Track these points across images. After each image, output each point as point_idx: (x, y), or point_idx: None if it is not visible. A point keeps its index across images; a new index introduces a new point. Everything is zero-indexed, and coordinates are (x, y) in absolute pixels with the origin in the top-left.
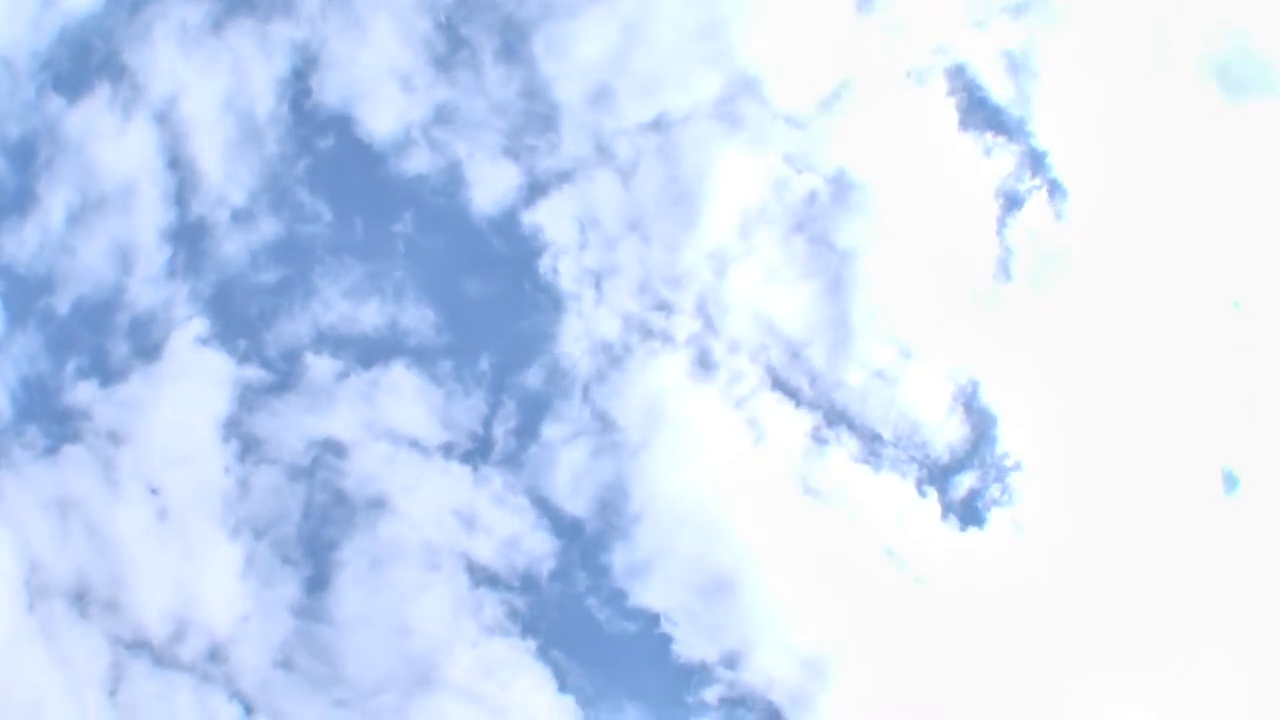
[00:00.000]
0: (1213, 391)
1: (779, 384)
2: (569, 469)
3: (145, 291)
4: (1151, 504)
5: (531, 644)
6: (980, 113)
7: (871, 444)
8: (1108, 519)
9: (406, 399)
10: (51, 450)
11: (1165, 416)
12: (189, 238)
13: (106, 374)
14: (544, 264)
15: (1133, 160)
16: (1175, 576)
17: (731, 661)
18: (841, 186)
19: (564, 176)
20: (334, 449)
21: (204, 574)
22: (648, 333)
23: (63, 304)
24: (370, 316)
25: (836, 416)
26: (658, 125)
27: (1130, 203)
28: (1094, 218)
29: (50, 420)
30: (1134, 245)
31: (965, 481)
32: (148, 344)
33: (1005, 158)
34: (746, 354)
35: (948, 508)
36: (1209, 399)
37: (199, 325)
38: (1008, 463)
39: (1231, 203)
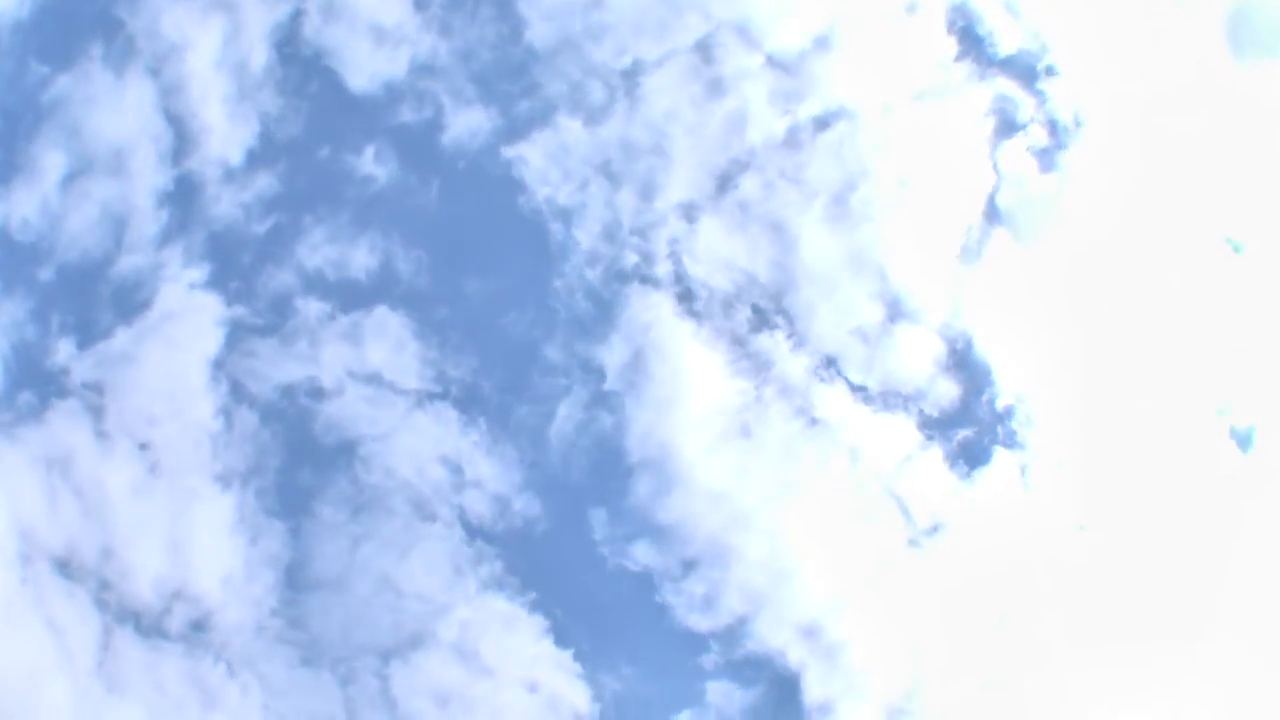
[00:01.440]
0: (1214, 336)
1: (768, 327)
2: (560, 416)
3: (138, 247)
4: (1157, 453)
5: (525, 597)
6: (979, 52)
7: (865, 394)
8: (1113, 469)
9: (394, 343)
10: (40, 411)
11: (1167, 365)
12: (180, 189)
13: (95, 332)
14: (529, 208)
15: (1134, 103)
16: (1181, 522)
17: (732, 614)
18: (832, 124)
19: (545, 120)
20: (321, 395)
21: (194, 531)
22: (637, 277)
23: (53, 265)
24: (360, 260)
25: (827, 363)
26: (635, 70)
27: (1130, 147)
28: (1093, 161)
29: (39, 380)
30: (1132, 190)
31: (966, 432)
32: (137, 298)
33: (1005, 99)
34: (734, 301)
35: (952, 455)
36: (1210, 345)
37: (190, 275)
38: (1002, 407)
39: (1232, 154)
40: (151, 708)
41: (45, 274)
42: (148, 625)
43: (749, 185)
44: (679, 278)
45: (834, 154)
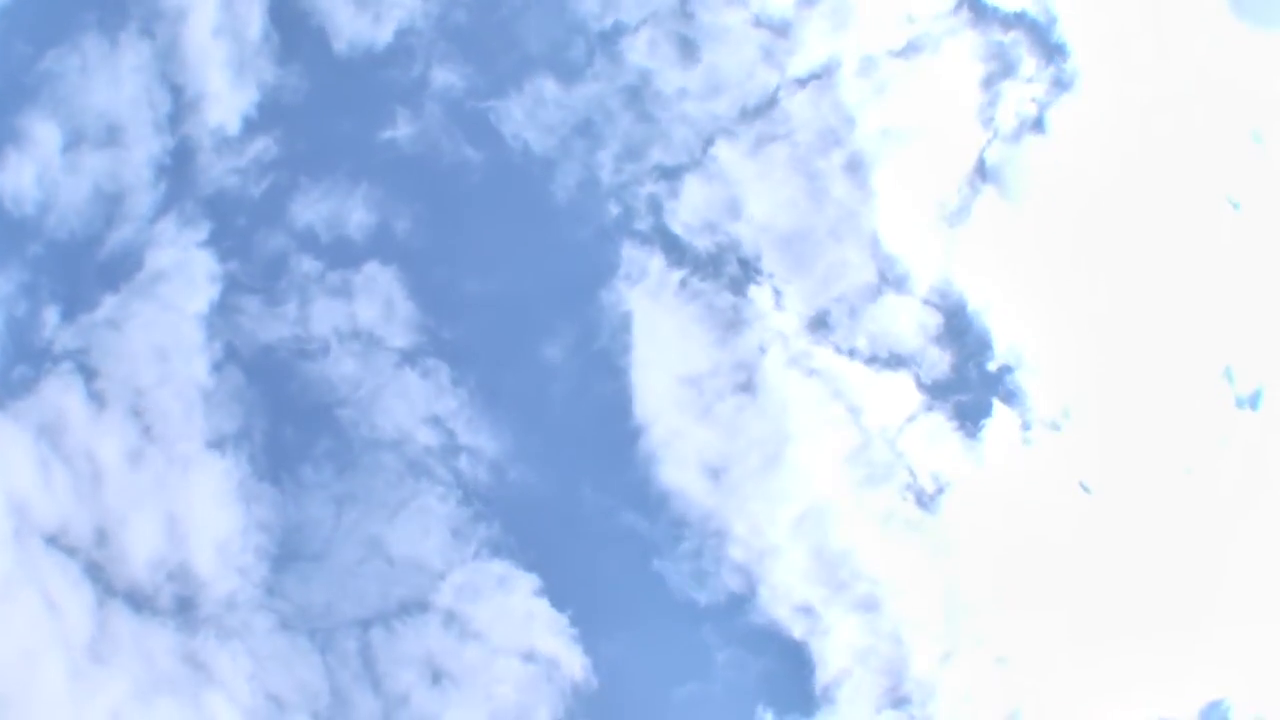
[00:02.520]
0: (1215, 295)
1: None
2: (557, 372)
3: (131, 212)
4: (1160, 414)
5: (521, 561)
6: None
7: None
8: (1115, 428)
9: (385, 301)
10: (34, 382)
11: (1169, 325)
12: (172, 152)
13: (87, 299)
14: (518, 166)
15: (1131, 58)
16: (1186, 483)
17: (735, 579)
18: (819, 81)
19: (532, 78)
20: (312, 354)
21: (187, 499)
22: (628, 235)
23: (45, 233)
24: (351, 218)
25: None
26: (615, 31)
27: (1127, 105)
28: (1087, 119)
29: (33, 351)
30: (1129, 148)
31: (963, 394)
32: (129, 263)
33: (998, 53)
34: (721, 260)
35: (952, 416)
36: (1212, 303)
37: (184, 237)
38: (998, 367)
39: (1232, 112)
40: (142, 680)
41: (38, 242)
42: (140, 597)
43: (734, 144)
44: (668, 236)
45: (821, 111)
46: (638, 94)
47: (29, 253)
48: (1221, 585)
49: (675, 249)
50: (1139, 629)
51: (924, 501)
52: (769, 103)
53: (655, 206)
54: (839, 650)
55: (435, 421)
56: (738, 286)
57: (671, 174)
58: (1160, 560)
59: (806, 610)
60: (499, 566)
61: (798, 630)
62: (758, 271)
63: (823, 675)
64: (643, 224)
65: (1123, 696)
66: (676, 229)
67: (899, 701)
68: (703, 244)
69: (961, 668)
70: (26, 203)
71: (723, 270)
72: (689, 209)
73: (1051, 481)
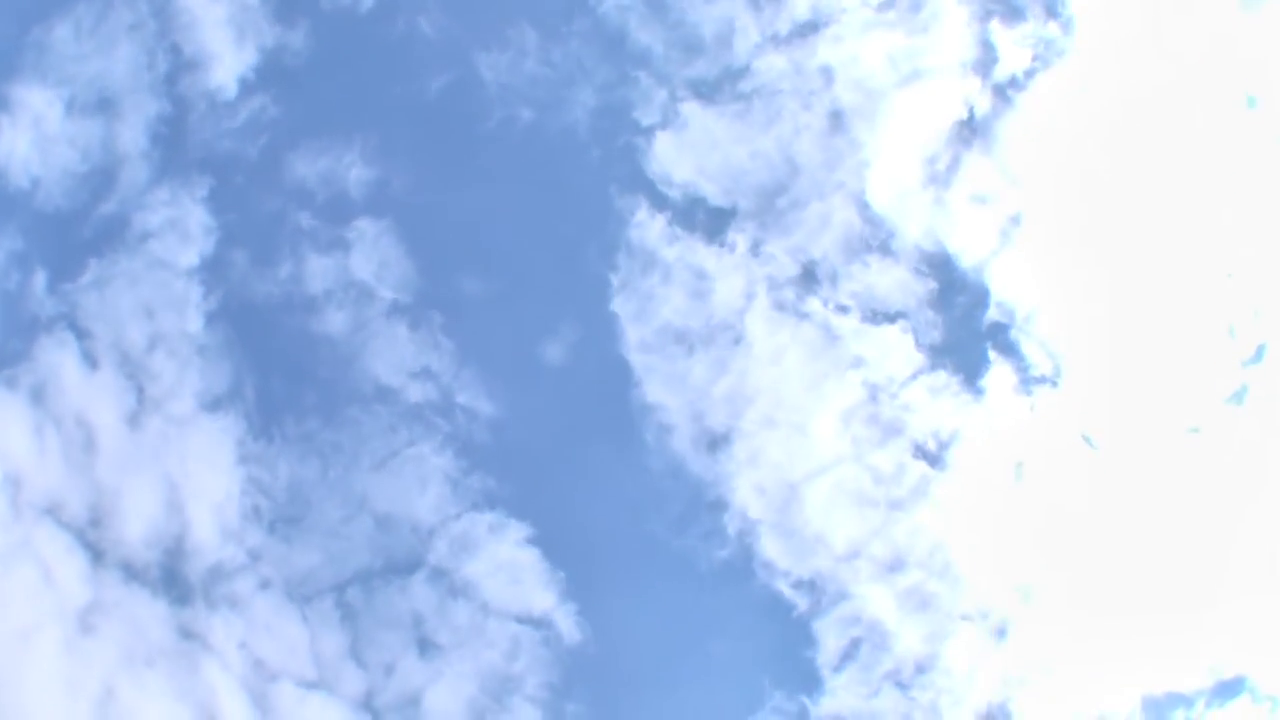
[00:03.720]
0: (1210, 249)
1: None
2: (557, 325)
3: (124, 173)
4: (1164, 365)
5: (515, 517)
6: None
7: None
8: (1117, 381)
9: (381, 256)
10: (27, 349)
11: (1169, 278)
12: (168, 109)
13: (79, 261)
14: (511, 121)
15: (1131, 21)
16: (1189, 437)
17: (738, 539)
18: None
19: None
20: (308, 308)
21: (182, 462)
22: (620, 185)
23: (37, 194)
24: (346, 173)
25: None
26: None
27: (1125, 62)
28: (1086, 77)
29: (25, 316)
30: (1127, 106)
31: (961, 348)
32: (123, 222)
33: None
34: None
35: (950, 371)
36: (1208, 258)
37: (179, 194)
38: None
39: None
40: (135, 648)
41: (31, 205)
42: (133, 563)
43: (711, 99)
44: (660, 187)
45: (811, 65)
46: (616, 47)
47: (23, 216)
48: (1233, 554)
49: (658, 198)
50: (1147, 598)
51: (930, 458)
52: (748, 57)
53: (634, 157)
54: (842, 623)
55: (428, 375)
56: (715, 236)
57: (648, 129)
58: (1169, 527)
59: (814, 567)
60: (492, 520)
61: (801, 602)
62: (733, 217)
63: (825, 650)
64: (625, 173)
65: (1130, 668)
66: (673, 180)
67: (898, 679)
68: (683, 194)
69: (964, 641)
70: (20, 164)
71: (698, 221)
72: (666, 161)
73: (1054, 441)
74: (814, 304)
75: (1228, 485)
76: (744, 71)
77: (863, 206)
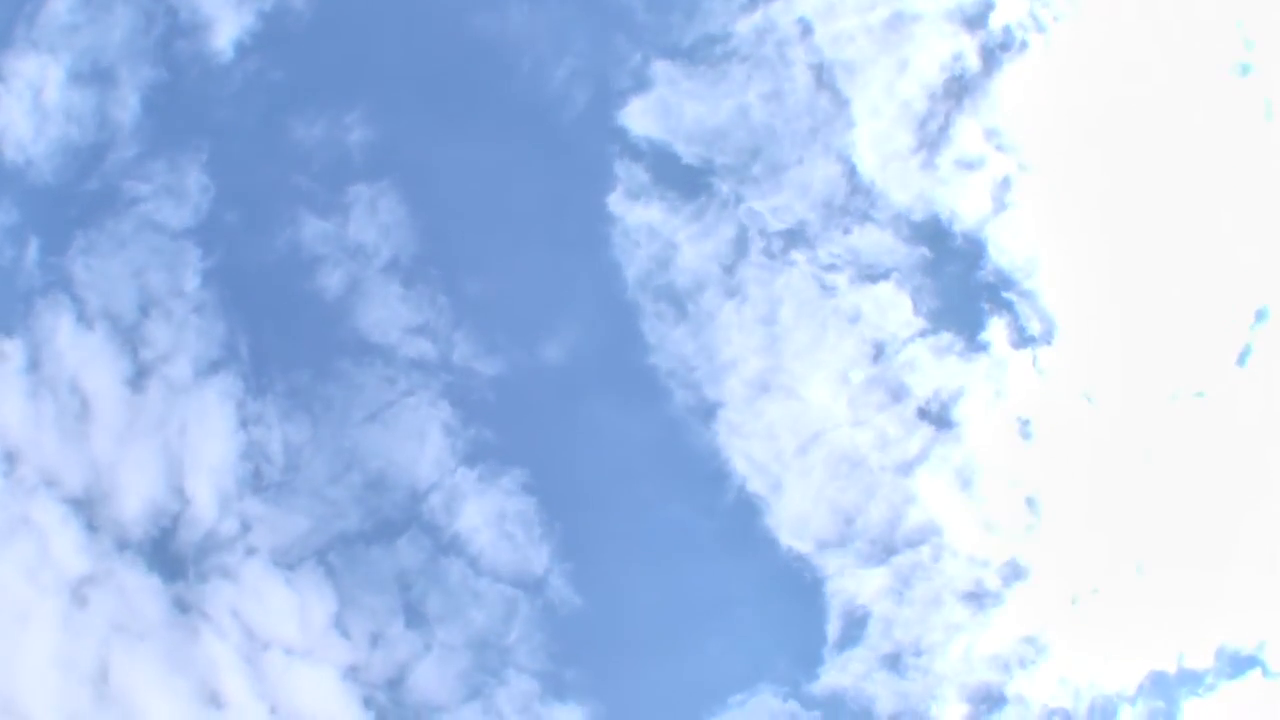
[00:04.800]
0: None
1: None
2: (555, 285)
3: (120, 138)
4: (1166, 323)
5: (513, 476)
6: None
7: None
8: (1118, 339)
9: (382, 218)
10: (23, 314)
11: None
12: (165, 72)
13: (74, 227)
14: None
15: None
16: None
17: (741, 498)
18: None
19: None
20: (305, 269)
21: (181, 430)
22: (615, 145)
23: (38, 162)
24: (345, 135)
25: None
26: None
27: (1120, 26)
28: (1081, 41)
29: (21, 283)
30: (1121, 69)
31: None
32: (117, 187)
33: None
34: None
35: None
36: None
37: (175, 159)
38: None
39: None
40: (129, 617)
41: (28, 172)
42: (130, 531)
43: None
44: (652, 149)
45: (783, 28)
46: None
47: (18, 182)
48: (1244, 522)
49: (642, 156)
50: (1156, 567)
51: (935, 420)
52: (726, 19)
53: (619, 116)
54: (852, 594)
55: (425, 330)
56: (699, 191)
57: (633, 88)
58: (1177, 495)
59: (819, 534)
60: (487, 479)
61: (806, 573)
62: (741, 187)
63: (834, 624)
64: (610, 131)
65: (1139, 637)
66: (665, 142)
67: (899, 664)
68: (685, 156)
69: (974, 613)
70: (16, 130)
71: (708, 185)
72: (674, 122)
73: (1057, 403)
74: (799, 258)
75: (1235, 451)
76: (717, 35)
77: (849, 168)
